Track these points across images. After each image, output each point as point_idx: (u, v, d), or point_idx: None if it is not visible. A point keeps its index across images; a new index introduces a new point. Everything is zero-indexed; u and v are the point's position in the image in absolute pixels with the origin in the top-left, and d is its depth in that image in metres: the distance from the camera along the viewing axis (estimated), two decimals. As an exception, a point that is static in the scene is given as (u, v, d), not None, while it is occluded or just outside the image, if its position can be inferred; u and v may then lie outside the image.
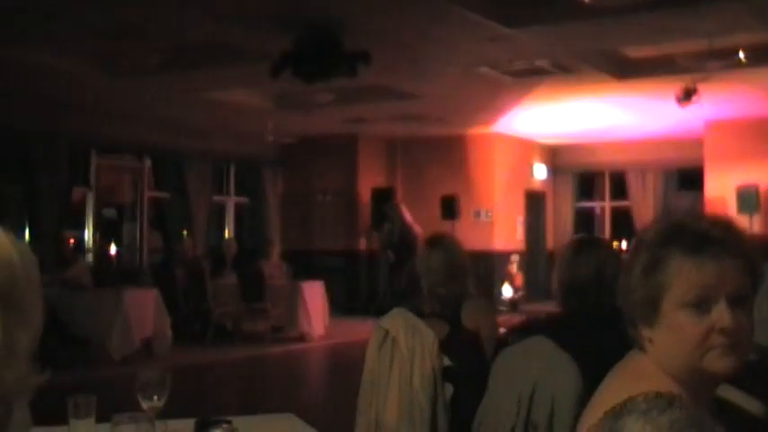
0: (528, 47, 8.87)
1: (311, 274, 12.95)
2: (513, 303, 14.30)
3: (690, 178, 15.73)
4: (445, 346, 3.24)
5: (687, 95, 10.12)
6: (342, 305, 14.03)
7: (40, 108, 11.43)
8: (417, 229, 13.58)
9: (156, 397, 2.34)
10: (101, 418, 2.39)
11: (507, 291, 14.75)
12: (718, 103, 11.74)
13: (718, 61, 9.08)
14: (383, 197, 15.03)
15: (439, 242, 3.70)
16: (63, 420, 2.41)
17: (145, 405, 2.33)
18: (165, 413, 2.39)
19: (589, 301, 2.79)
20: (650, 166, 16.20)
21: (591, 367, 1.62)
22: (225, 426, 2.04)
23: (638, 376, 1.38)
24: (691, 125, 13.47)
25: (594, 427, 1.34)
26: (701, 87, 9.91)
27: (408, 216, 14.02)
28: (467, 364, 3.35)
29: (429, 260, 3.60)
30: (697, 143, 14.24)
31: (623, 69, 10.18)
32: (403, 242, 13.45)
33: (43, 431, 2.63)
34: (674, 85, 10.04)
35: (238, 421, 2.21)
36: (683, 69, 9.69)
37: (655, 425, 1.26)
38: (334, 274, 14.19)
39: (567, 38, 8.60)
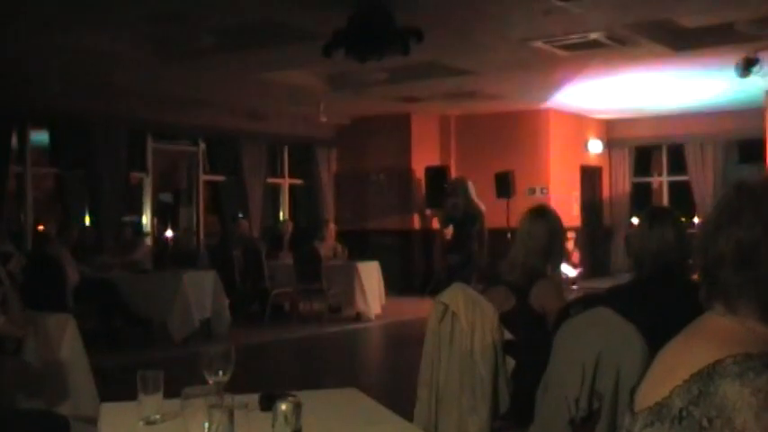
0: (583, 19, 8.73)
1: (366, 254, 12.97)
2: (570, 280, 14.18)
3: (751, 150, 15.31)
4: (509, 319, 3.22)
5: (748, 65, 9.88)
6: (397, 284, 14.03)
7: (99, 93, 11.60)
8: (481, 206, 13.43)
9: (221, 372, 2.37)
10: (165, 396, 2.43)
11: (564, 268, 14.63)
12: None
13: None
14: (437, 175, 15.00)
15: (543, 214, 3.76)
16: (129, 398, 2.46)
17: (210, 379, 2.37)
18: (228, 390, 2.42)
19: (665, 269, 2.80)
20: (709, 139, 15.87)
21: (659, 336, 1.59)
22: (291, 398, 2.06)
23: (725, 338, 1.34)
24: (751, 95, 13.14)
25: (679, 389, 1.31)
26: (763, 56, 9.67)
27: (474, 192, 13.85)
28: (528, 338, 3.33)
29: (531, 228, 3.67)
30: (758, 114, 13.86)
31: (680, 40, 9.95)
32: (467, 217, 13.28)
33: (113, 406, 2.69)
34: (734, 55, 9.80)
35: (302, 396, 2.22)
36: (744, 38, 9.44)
37: (752, 387, 1.23)
38: (389, 254, 14.21)
39: (623, 9, 8.44)
